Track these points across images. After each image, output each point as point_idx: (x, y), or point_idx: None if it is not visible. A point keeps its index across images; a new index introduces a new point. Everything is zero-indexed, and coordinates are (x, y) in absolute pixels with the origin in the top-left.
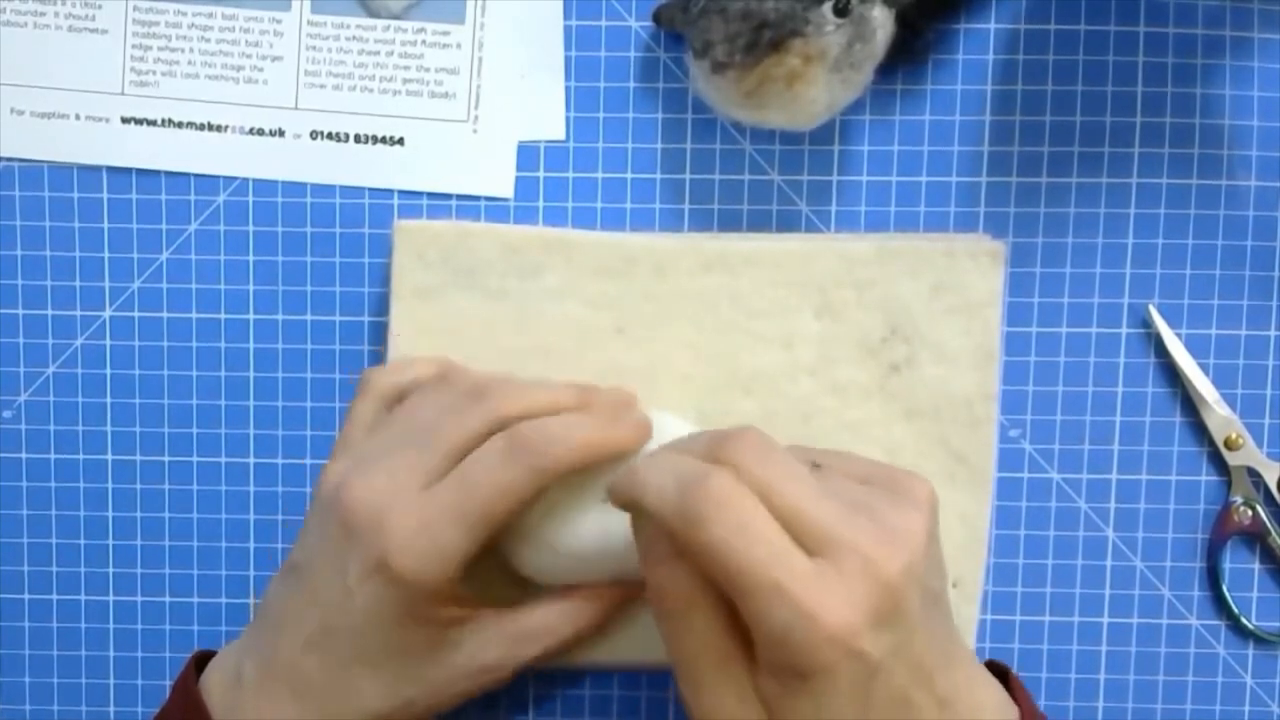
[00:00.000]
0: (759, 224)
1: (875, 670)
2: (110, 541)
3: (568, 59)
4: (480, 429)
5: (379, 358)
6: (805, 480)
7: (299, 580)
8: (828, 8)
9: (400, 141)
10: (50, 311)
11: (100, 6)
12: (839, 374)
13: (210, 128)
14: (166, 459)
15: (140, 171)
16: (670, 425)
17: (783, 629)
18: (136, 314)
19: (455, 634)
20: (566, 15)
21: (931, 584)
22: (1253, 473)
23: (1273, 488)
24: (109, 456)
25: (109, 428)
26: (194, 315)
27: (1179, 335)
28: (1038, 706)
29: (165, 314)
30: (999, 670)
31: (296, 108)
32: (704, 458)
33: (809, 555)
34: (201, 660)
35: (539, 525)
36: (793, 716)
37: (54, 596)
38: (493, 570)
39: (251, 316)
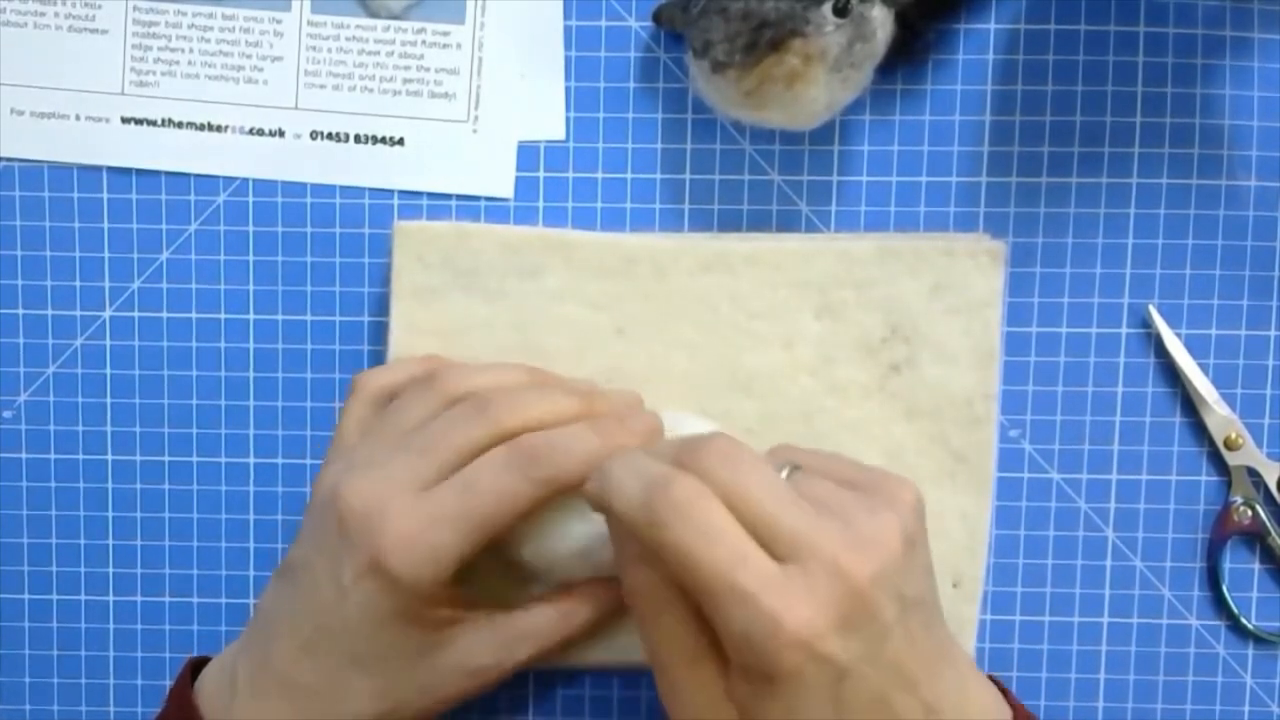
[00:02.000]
0: (759, 224)
1: (844, 674)
2: (110, 541)
3: (568, 59)
4: (482, 440)
5: (379, 358)
6: (775, 485)
7: (293, 583)
8: (828, 8)
9: (400, 141)
10: (50, 311)
11: (100, 6)
12: (839, 374)
13: (210, 128)
14: (166, 459)
15: (140, 171)
16: (686, 423)
17: (745, 632)
18: (136, 314)
19: (448, 635)
20: (566, 15)
21: (909, 590)
22: (1253, 473)
23: (1273, 488)
24: (109, 456)
25: (109, 428)
26: (194, 315)
27: (1179, 335)
28: (1035, 716)
29: (165, 314)
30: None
31: (296, 108)
32: (672, 463)
33: (777, 560)
34: (197, 666)
35: (540, 521)
36: (764, 718)
37: (54, 596)
38: (490, 571)
39: (251, 316)
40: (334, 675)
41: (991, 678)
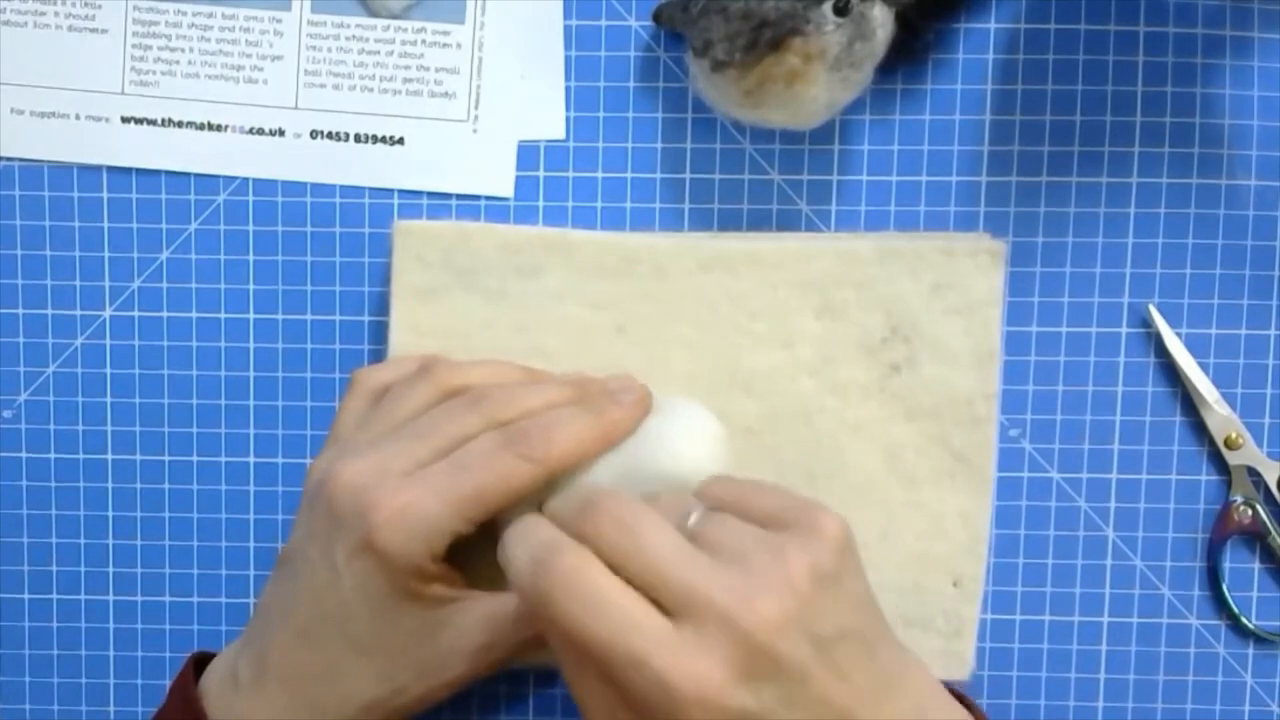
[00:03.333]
0: (759, 224)
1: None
2: (110, 541)
3: (568, 59)
4: (477, 428)
5: (379, 357)
6: (666, 542)
7: (290, 572)
8: (828, 7)
9: (400, 141)
10: (50, 311)
11: (100, 6)
12: (839, 374)
13: (210, 127)
14: (166, 459)
15: (140, 171)
16: (680, 408)
17: (644, 696)
18: (136, 314)
19: (445, 614)
20: (566, 15)
21: (825, 628)
22: (1253, 472)
23: (1273, 487)
24: (109, 456)
25: (109, 428)
26: (194, 315)
27: (1179, 335)
28: None
29: (165, 314)
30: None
31: (296, 107)
32: (567, 528)
33: (671, 618)
34: (200, 662)
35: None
36: None
37: (54, 596)
38: (490, 563)
39: (251, 316)
40: (333, 660)
41: (960, 696)
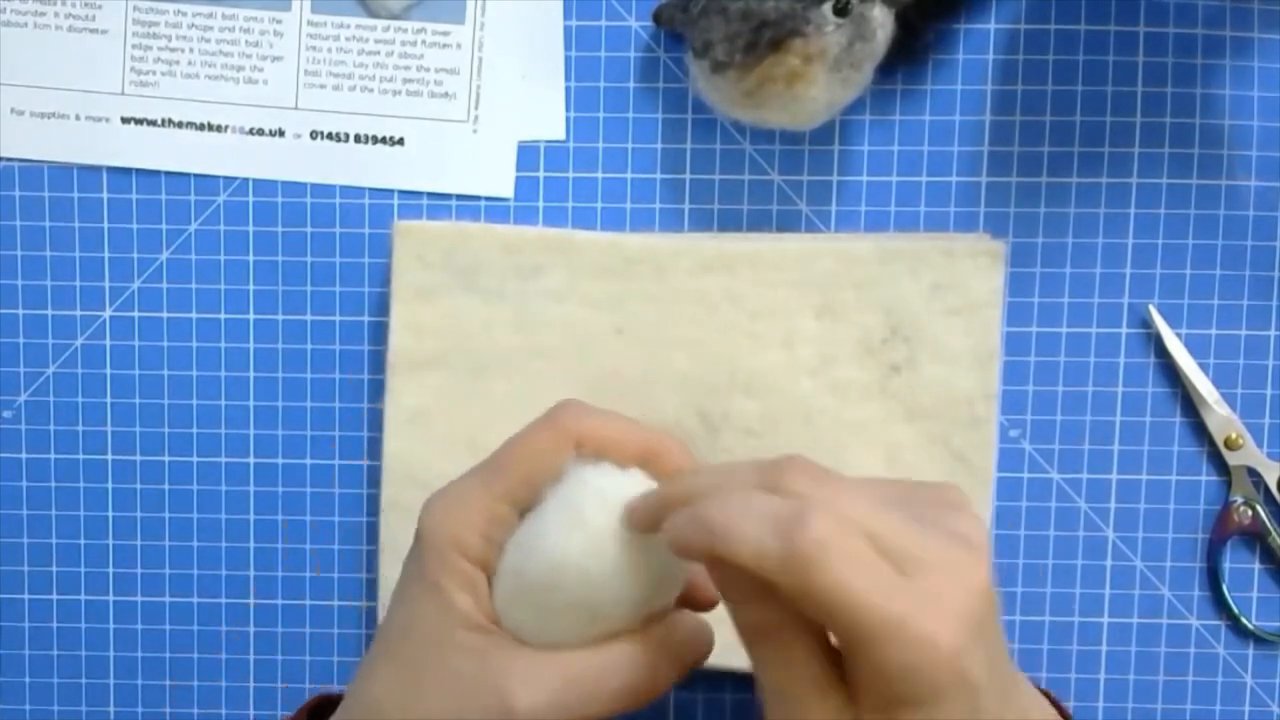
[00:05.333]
0: (759, 224)
1: (977, 691)
2: (110, 541)
3: (568, 59)
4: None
5: (379, 357)
6: (878, 501)
7: (380, 636)
8: (828, 7)
9: (400, 141)
10: (50, 311)
11: (100, 6)
12: (839, 374)
13: (210, 128)
14: (166, 459)
15: (140, 171)
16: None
17: (900, 659)
18: (136, 314)
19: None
20: (566, 15)
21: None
22: (1253, 473)
23: (1273, 488)
24: (109, 456)
25: (109, 428)
26: (194, 315)
27: (1179, 335)
28: None
29: (165, 314)
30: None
31: (296, 108)
32: (753, 485)
33: (905, 578)
34: (320, 707)
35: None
36: None
37: (54, 596)
38: None
39: (251, 316)
40: (364, 664)
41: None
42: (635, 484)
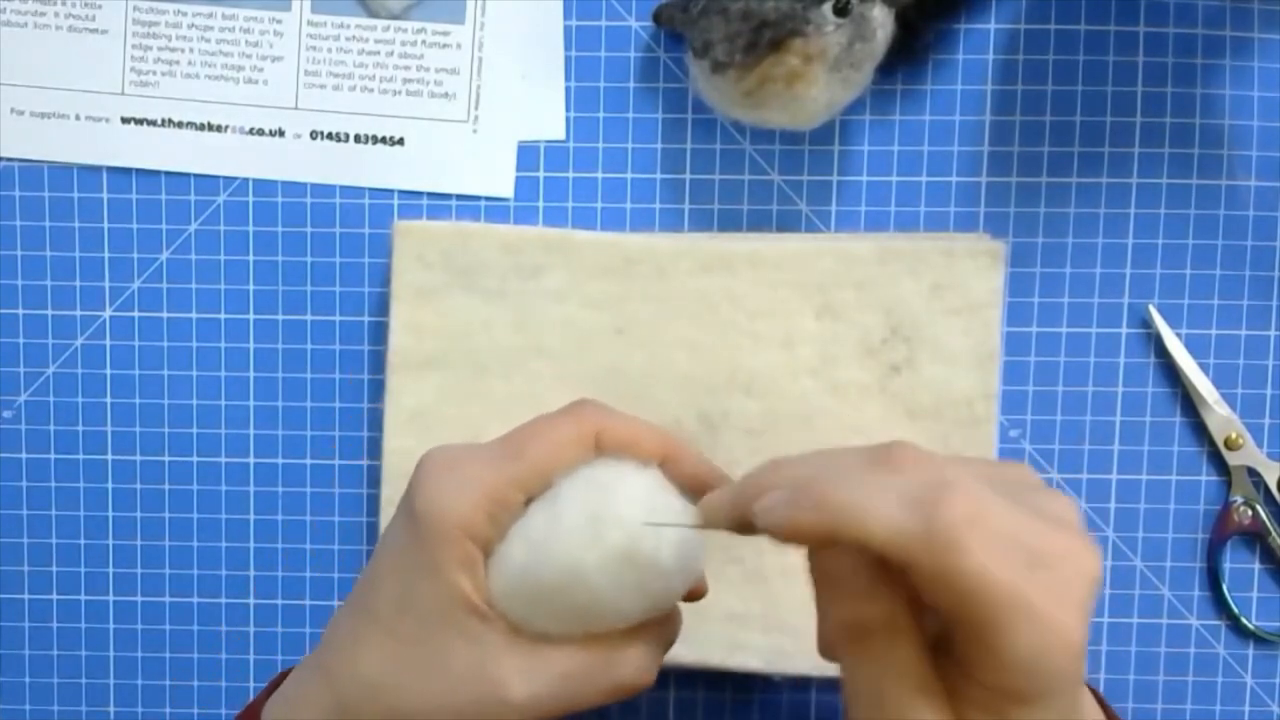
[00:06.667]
0: (759, 224)
1: (1080, 687)
2: (110, 541)
3: (568, 59)
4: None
5: (379, 357)
6: (992, 487)
7: (356, 597)
8: (828, 7)
9: (400, 141)
10: (50, 311)
11: (100, 6)
12: (839, 374)
13: (210, 128)
14: (166, 459)
15: (140, 171)
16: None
17: (1029, 648)
18: (136, 314)
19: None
20: (566, 15)
21: None
22: (1253, 473)
23: (1273, 488)
24: (109, 456)
25: (109, 428)
26: (194, 315)
27: (1179, 335)
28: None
29: (165, 314)
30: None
31: (296, 108)
32: (854, 471)
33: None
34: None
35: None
36: None
37: (54, 596)
38: None
39: (251, 316)
40: (353, 628)
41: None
42: (656, 492)
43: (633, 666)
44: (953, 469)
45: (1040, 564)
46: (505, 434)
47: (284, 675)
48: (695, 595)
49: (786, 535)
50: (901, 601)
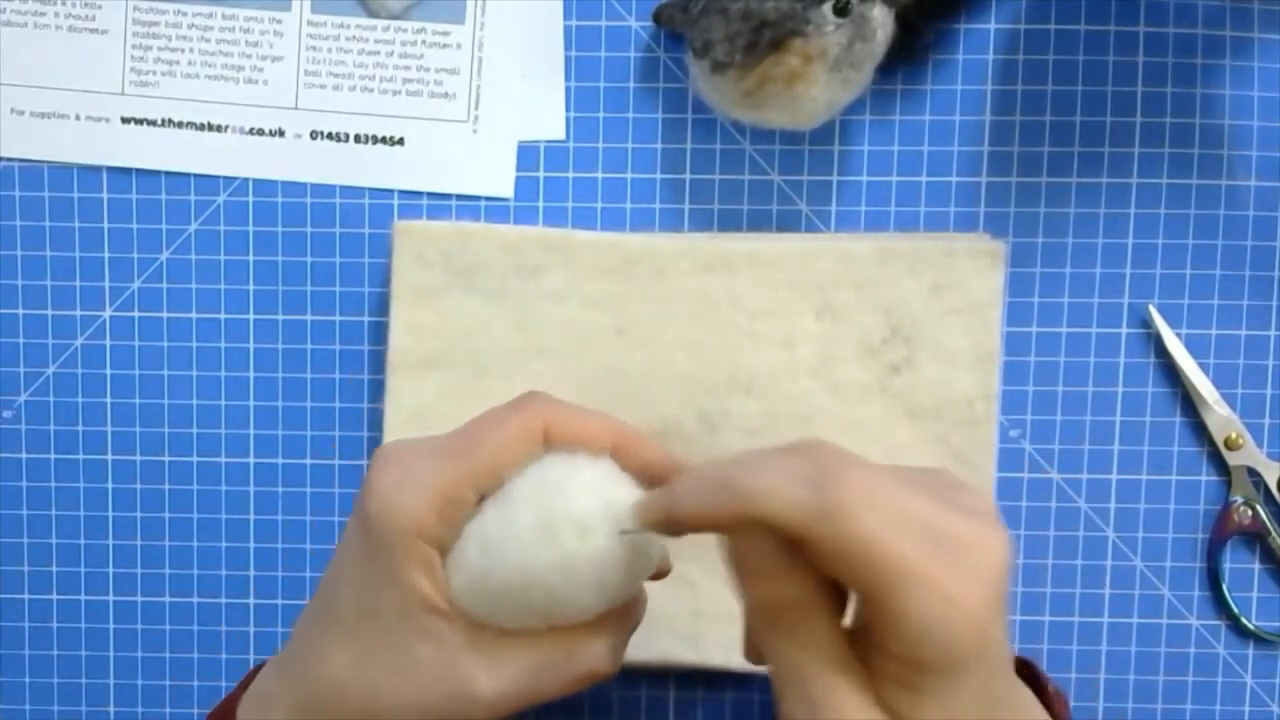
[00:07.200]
0: (759, 224)
1: (995, 664)
2: (110, 541)
3: (568, 59)
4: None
5: (379, 357)
6: (900, 480)
7: (318, 602)
8: (828, 7)
9: (400, 141)
10: (50, 311)
11: (100, 6)
12: (839, 374)
13: (210, 128)
14: (166, 459)
15: (140, 171)
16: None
17: (926, 620)
18: (136, 314)
19: (428, 624)
20: (566, 15)
21: None
22: (1253, 473)
23: (1273, 488)
24: (109, 456)
25: (109, 428)
26: (194, 315)
27: (1179, 335)
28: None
29: (165, 314)
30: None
31: (296, 108)
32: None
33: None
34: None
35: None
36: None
37: (54, 596)
38: None
39: (251, 316)
40: (313, 634)
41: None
42: (609, 485)
43: (597, 656)
44: (862, 461)
45: (944, 544)
46: (456, 429)
47: (255, 671)
48: (659, 576)
49: (700, 520)
50: (815, 583)
